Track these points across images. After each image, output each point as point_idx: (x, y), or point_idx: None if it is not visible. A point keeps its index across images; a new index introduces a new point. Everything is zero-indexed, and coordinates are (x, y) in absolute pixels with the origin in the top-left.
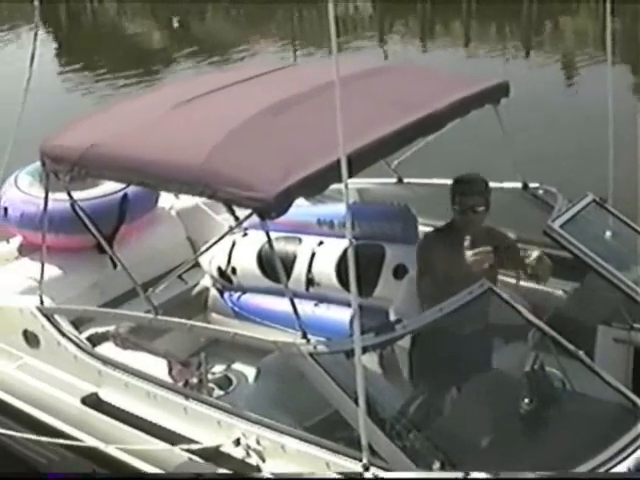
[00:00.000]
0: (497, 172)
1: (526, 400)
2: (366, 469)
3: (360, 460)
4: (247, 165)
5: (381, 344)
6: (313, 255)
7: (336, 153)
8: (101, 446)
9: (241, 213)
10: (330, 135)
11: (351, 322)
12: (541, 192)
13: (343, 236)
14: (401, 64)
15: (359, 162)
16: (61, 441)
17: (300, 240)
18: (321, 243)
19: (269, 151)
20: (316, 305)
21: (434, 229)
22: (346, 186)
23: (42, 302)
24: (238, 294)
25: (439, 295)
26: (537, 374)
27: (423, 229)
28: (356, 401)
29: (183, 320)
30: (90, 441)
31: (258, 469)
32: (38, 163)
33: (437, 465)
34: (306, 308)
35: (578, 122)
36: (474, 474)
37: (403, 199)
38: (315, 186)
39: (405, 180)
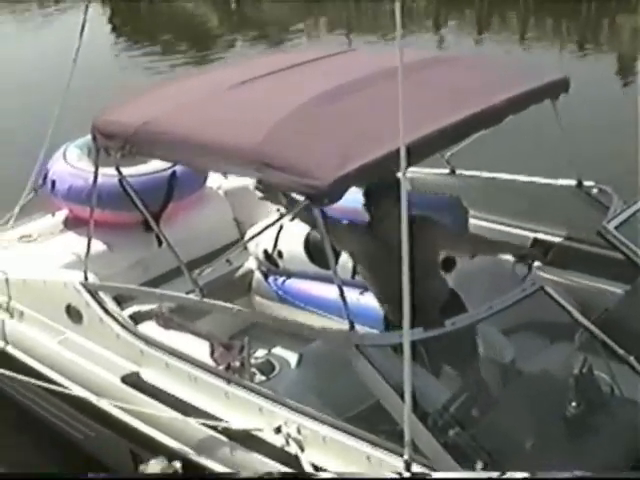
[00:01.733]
0: (552, 168)
1: (573, 403)
2: (408, 465)
3: (401, 455)
4: (302, 150)
5: (430, 339)
6: None
7: (394, 142)
8: (139, 425)
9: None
10: (388, 124)
11: None
12: (595, 191)
13: None
14: (462, 55)
15: (417, 153)
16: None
17: None
18: None
19: (325, 137)
20: (361, 293)
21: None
22: (404, 177)
23: (86, 278)
24: (283, 278)
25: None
26: (585, 377)
27: (474, 222)
28: (402, 396)
29: (229, 304)
30: (128, 419)
31: (297, 458)
32: (87, 137)
33: (480, 465)
34: (351, 296)
35: (634, 121)
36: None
37: (455, 190)
38: (371, 175)
39: (458, 171)
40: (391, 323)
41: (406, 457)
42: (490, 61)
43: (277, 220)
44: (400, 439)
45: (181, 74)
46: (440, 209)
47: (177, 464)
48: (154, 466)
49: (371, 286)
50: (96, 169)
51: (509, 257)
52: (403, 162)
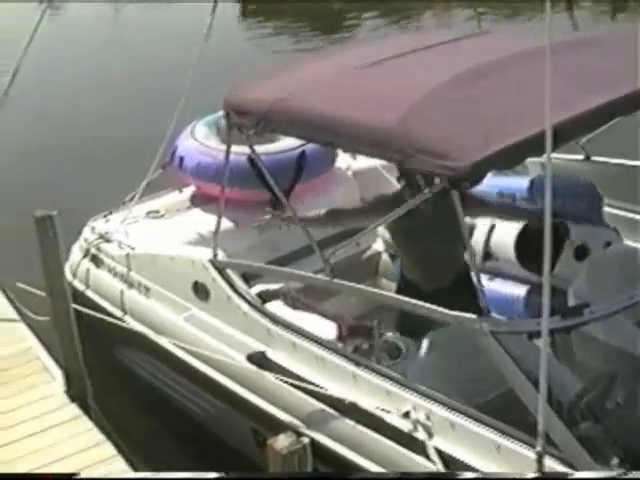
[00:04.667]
0: None
1: None
2: (540, 457)
3: (533, 446)
4: (441, 132)
5: (566, 328)
6: (492, 228)
7: (538, 124)
8: (263, 404)
9: None
10: (531, 106)
11: (526, 300)
12: None
13: (525, 210)
14: (608, 34)
15: (562, 136)
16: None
17: None
18: None
19: (465, 118)
20: (491, 279)
21: None
22: (549, 160)
23: (215, 255)
24: None
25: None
26: None
27: (609, 210)
28: (536, 385)
29: (361, 286)
30: (253, 398)
31: (423, 445)
32: (215, 115)
33: (615, 461)
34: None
35: None
36: None
37: (590, 177)
38: (513, 158)
39: (593, 158)
40: (408, 281)
41: (539, 449)
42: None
43: (412, 203)
44: (532, 430)
45: (308, 53)
46: (574, 196)
47: (305, 440)
48: (282, 440)
49: (398, 247)
50: (228, 146)
51: None
52: (549, 144)
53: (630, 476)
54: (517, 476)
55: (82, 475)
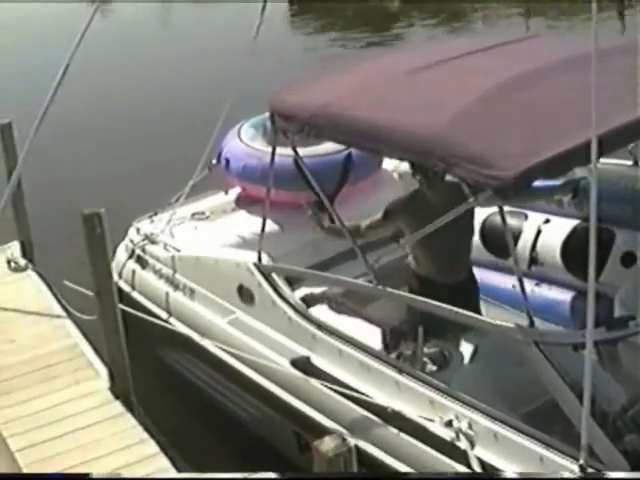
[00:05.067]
0: None
1: None
2: (583, 469)
3: (576, 459)
4: (486, 140)
5: (611, 340)
6: (539, 233)
7: (584, 133)
8: (306, 409)
9: None
10: (577, 113)
11: (572, 306)
12: None
13: (571, 215)
14: None
15: (609, 145)
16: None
17: (526, 216)
18: (547, 221)
19: (511, 126)
20: (537, 285)
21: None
22: (595, 167)
23: (260, 259)
24: None
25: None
26: None
27: None
28: (580, 397)
29: (404, 293)
30: (296, 403)
31: (465, 454)
32: (262, 116)
33: None
34: (526, 287)
35: None
36: None
37: (637, 183)
38: (559, 168)
39: None
40: (423, 278)
41: (582, 461)
42: None
43: (457, 211)
44: (575, 441)
45: (357, 56)
46: (620, 201)
47: (351, 443)
48: (328, 443)
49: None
50: (273, 150)
51: None
52: (594, 154)
53: None
54: (555, 476)
55: (124, 473)
